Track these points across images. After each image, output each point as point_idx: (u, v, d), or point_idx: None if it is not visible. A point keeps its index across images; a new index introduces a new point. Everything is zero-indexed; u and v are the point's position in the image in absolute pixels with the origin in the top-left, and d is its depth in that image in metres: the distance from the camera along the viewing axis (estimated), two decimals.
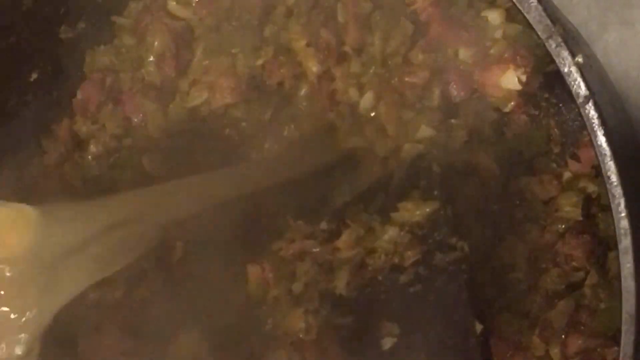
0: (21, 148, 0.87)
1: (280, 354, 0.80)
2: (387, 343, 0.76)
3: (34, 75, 0.88)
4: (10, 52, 0.86)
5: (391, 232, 0.78)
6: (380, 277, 0.77)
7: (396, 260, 0.77)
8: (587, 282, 0.77)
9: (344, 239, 0.79)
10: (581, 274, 0.77)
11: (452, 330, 0.74)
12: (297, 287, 0.80)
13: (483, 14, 0.80)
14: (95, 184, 0.89)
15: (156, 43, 0.86)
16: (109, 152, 0.89)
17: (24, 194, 0.84)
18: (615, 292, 0.66)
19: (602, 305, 0.76)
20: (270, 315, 0.81)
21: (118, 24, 0.90)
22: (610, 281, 0.75)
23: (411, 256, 0.77)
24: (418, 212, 0.77)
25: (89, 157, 0.89)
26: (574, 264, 0.77)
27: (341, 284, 0.79)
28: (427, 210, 0.77)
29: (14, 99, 0.88)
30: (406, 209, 0.78)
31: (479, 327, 0.74)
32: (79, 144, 0.90)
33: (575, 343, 0.76)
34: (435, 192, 0.77)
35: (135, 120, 0.88)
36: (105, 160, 0.89)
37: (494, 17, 0.79)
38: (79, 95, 0.90)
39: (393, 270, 0.77)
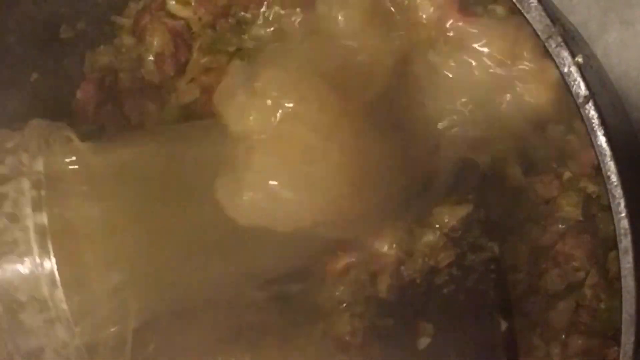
0: None
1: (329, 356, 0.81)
2: (423, 343, 0.77)
3: (34, 75, 0.88)
4: (10, 52, 0.86)
5: (428, 236, 0.78)
6: (418, 280, 0.78)
7: (432, 262, 0.78)
8: (587, 282, 0.77)
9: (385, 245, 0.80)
10: (581, 274, 0.77)
11: (479, 328, 0.75)
12: (343, 293, 0.81)
13: None
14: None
15: (155, 42, 0.86)
16: None
17: None
18: (615, 292, 0.66)
19: (602, 305, 0.76)
20: (320, 319, 0.82)
21: (118, 23, 0.90)
22: (610, 281, 0.75)
23: (446, 258, 0.78)
24: (453, 216, 0.78)
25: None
26: (574, 264, 0.77)
27: (383, 287, 0.80)
28: (462, 214, 0.78)
29: (14, 99, 0.87)
30: (442, 213, 0.79)
31: (504, 325, 0.75)
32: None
33: (576, 343, 0.76)
34: (470, 196, 0.78)
35: (134, 120, 0.88)
36: None
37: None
38: (78, 95, 0.90)
39: (429, 272, 0.78)
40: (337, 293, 0.81)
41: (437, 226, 0.79)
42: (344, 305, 0.81)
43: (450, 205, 0.79)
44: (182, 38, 0.86)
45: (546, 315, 0.77)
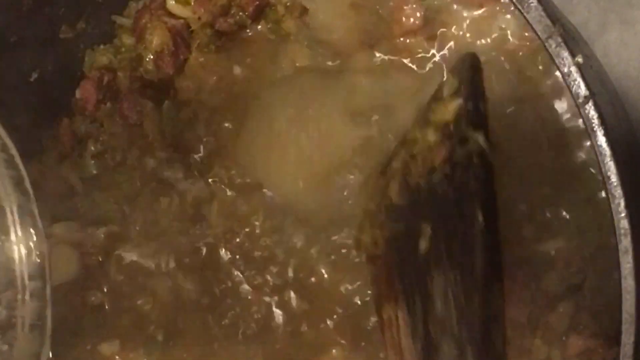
0: (21, 148, 0.87)
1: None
2: (422, 245, 0.74)
3: (34, 75, 0.89)
4: (11, 52, 0.86)
5: (428, 135, 0.76)
6: (422, 183, 0.75)
7: (429, 161, 0.75)
8: (587, 283, 0.77)
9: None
10: (581, 275, 0.77)
11: (461, 222, 0.71)
12: (371, 205, 0.82)
13: None
14: (94, 183, 0.89)
15: (155, 41, 0.86)
16: (108, 151, 0.89)
17: None
18: (615, 292, 0.66)
19: (602, 306, 0.75)
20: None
21: (118, 23, 0.90)
22: (610, 282, 0.75)
23: (440, 154, 0.74)
24: (448, 111, 0.74)
25: (88, 156, 0.89)
26: (574, 266, 0.77)
27: (394, 193, 0.78)
28: (454, 106, 0.73)
29: (14, 99, 0.88)
30: (439, 110, 0.75)
31: (480, 217, 0.70)
32: (78, 143, 0.90)
33: (576, 344, 0.76)
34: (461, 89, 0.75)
35: (133, 119, 0.88)
36: (104, 159, 0.89)
37: None
38: (78, 95, 0.90)
39: (429, 172, 0.75)
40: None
41: (435, 124, 0.75)
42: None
43: (444, 101, 0.75)
44: (181, 37, 0.87)
45: (547, 317, 0.77)
